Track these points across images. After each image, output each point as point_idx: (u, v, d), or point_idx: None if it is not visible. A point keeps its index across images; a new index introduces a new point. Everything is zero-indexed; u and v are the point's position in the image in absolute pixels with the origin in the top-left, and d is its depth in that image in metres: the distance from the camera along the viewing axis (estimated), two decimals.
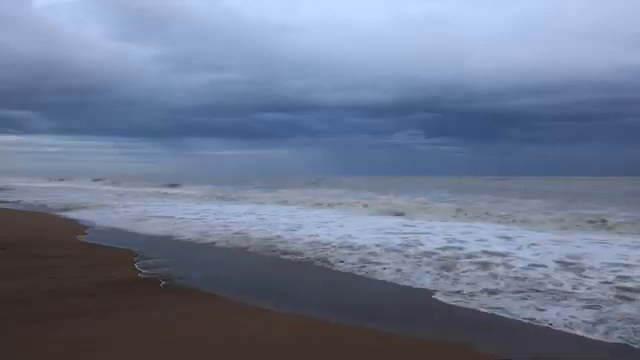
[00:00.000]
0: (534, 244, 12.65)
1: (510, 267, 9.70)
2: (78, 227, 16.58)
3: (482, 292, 7.82)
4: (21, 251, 11.21)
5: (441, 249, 11.86)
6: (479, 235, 14.30)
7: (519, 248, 12.05)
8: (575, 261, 10.26)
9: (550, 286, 8.17)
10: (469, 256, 10.90)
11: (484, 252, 11.40)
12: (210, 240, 13.66)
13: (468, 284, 8.36)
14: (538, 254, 11.14)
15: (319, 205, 27.41)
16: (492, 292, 7.81)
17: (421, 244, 12.65)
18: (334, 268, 10.00)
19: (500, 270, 9.42)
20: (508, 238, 13.84)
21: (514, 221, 18.22)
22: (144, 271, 9.26)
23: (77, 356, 4.96)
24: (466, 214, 20.75)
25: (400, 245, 12.46)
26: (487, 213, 20.44)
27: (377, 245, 12.44)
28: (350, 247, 12.19)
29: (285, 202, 30.24)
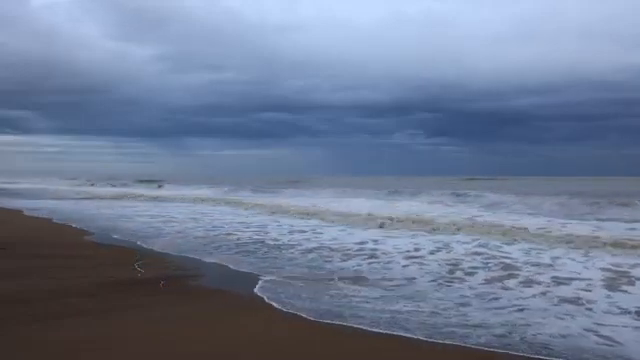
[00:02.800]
0: None
1: None
2: (78, 227, 16.57)
3: None
4: (21, 251, 11.22)
5: None
6: None
7: None
8: None
9: None
10: None
11: None
12: None
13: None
14: None
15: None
16: None
17: None
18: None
19: None
20: None
21: None
22: (143, 271, 9.26)
23: (77, 356, 4.95)
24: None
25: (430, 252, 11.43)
26: None
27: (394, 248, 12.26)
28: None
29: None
